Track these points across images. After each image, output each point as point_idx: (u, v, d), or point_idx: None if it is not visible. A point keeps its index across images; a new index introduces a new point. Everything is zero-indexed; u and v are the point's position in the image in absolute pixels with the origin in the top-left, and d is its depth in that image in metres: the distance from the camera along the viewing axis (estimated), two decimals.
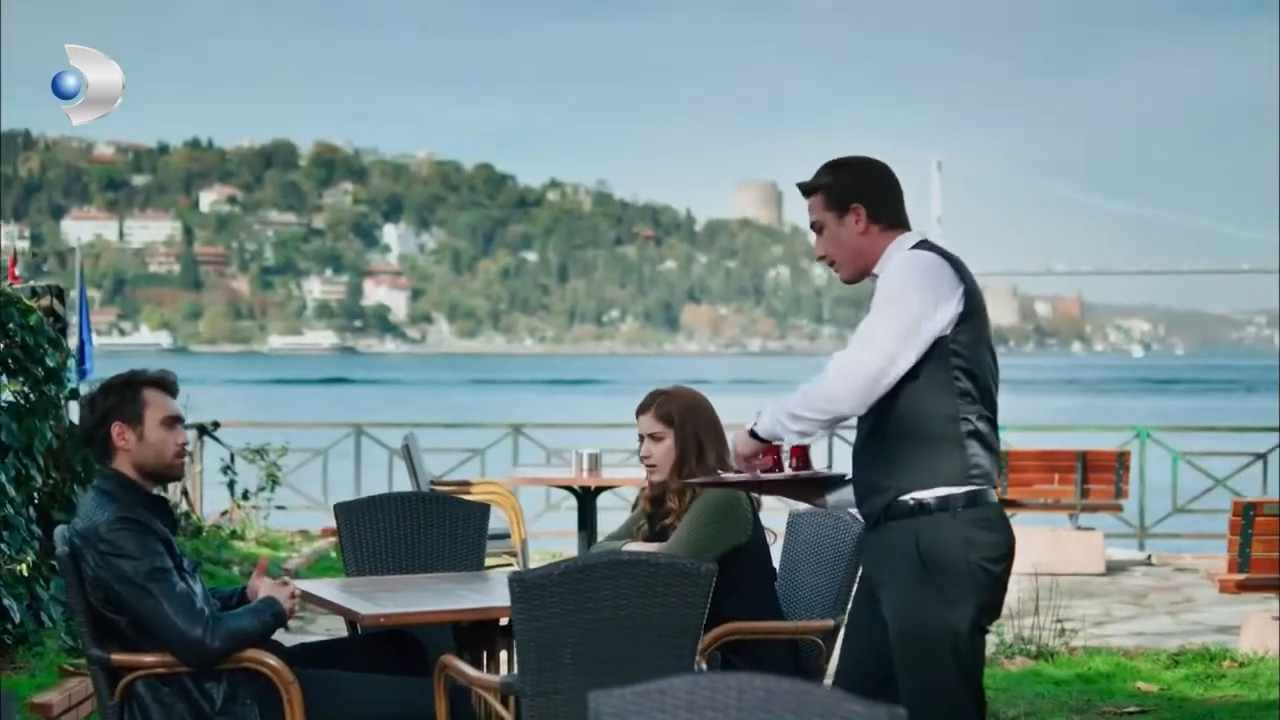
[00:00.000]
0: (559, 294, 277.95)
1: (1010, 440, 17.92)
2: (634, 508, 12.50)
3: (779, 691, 3.42)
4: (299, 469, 17.19)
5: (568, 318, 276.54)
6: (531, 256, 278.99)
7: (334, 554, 15.80)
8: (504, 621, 6.49)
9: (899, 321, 5.12)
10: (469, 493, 12.56)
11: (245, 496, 15.40)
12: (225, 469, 15.89)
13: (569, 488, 12.14)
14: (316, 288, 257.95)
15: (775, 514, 7.74)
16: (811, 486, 5.65)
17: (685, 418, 6.64)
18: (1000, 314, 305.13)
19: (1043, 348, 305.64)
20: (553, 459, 17.27)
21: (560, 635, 5.38)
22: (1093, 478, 15.53)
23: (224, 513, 16.09)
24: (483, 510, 7.57)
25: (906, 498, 5.18)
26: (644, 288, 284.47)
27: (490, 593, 6.41)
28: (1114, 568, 15.73)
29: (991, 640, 10.58)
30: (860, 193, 5.38)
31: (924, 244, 5.35)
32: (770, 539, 6.79)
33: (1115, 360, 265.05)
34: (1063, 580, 12.57)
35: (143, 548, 5.81)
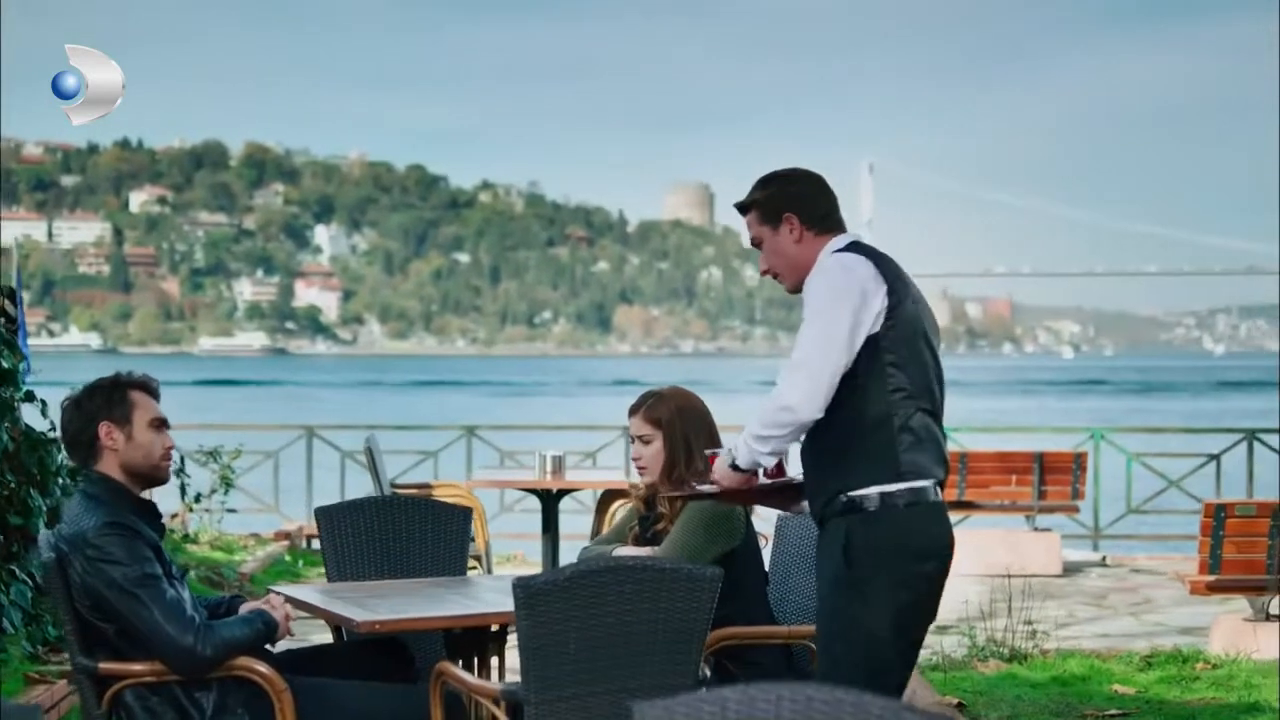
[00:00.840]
0: (491, 295, 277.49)
1: (967, 442, 17.93)
2: (596, 512, 12.48)
3: (843, 702, 3.32)
4: (249, 472, 17.00)
5: (500, 319, 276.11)
6: (463, 258, 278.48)
7: (288, 558, 15.66)
8: (495, 627, 6.42)
9: (827, 329, 5.19)
10: (430, 495, 12.43)
11: (198, 499, 15.21)
12: (178, 471, 15.69)
13: (533, 490, 11.99)
14: (247, 289, 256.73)
15: (764, 519, 7.66)
16: (787, 494, 5.69)
17: (675, 420, 6.55)
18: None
19: (974, 349, 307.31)
20: (506, 461, 17.14)
21: (564, 641, 5.28)
22: (1050, 479, 15.53)
23: (174, 515, 15.89)
24: (465, 514, 7.46)
25: (842, 496, 5.26)
26: (576, 289, 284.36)
27: (482, 598, 6.31)
28: (1070, 569, 15.72)
29: (964, 643, 10.54)
30: (790, 202, 5.50)
31: (852, 245, 5.42)
32: (761, 543, 6.73)
33: (1046, 361, 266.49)
34: (1022, 582, 12.53)
35: (132, 553, 5.69)
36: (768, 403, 5.25)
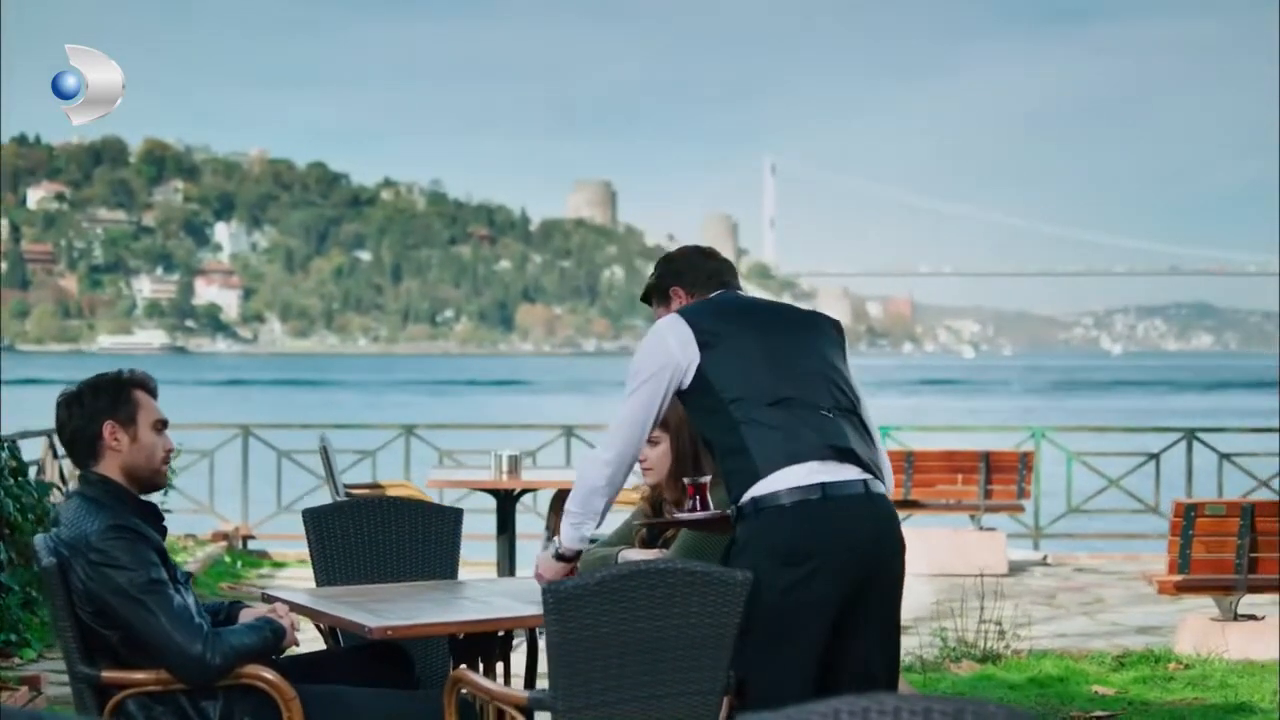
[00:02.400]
0: (393, 293, 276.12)
1: (911, 441, 17.89)
2: (550, 511, 12.33)
3: (964, 711, 3.21)
4: (183, 471, 16.72)
5: (401, 317, 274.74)
6: (365, 256, 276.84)
7: (227, 559, 15.43)
8: (501, 632, 6.26)
9: (633, 410, 5.60)
10: (383, 496, 12.24)
11: None
12: None
13: (491, 490, 11.81)
14: (147, 286, 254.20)
15: None
16: (727, 523, 5.76)
17: (683, 425, 6.40)
18: (832, 314, 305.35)
19: (875, 348, 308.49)
20: (445, 460, 16.95)
21: (594, 647, 5.14)
22: (995, 478, 15.49)
23: None
24: (456, 515, 7.29)
25: (734, 509, 5.48)
26: (478, 287, 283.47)
27: (491, 602, 6.14)
28: (1015, 568, 15.70)
29: (935, 643, 10.46)
30: (672, 276, 5.96)
31: (683, 309, 5.74)
32: None
33: (947, 361, 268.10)
34: (970, 581, 12.47)
35: (137, 558, 5.50)
36: (575, 479, 5.71)
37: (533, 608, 5.93)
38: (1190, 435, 17.60)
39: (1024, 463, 15.60)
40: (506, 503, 11.84)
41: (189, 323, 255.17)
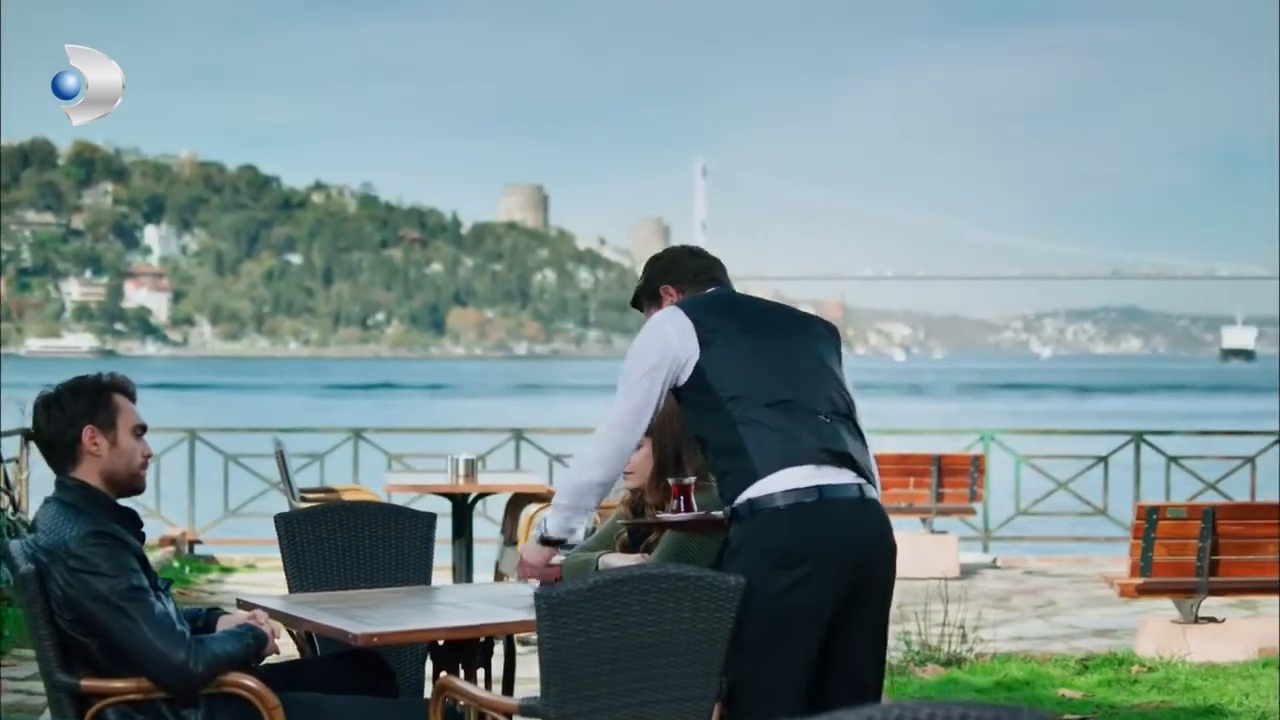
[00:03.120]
0: (324, 296, 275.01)
1: None
2: (505, 515, 12.24)
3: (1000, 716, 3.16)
4: None
5: (333, 320, 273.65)
6: (296, 259, 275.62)
7: (175, 564, 15.28)
8: (482, 639, 6.19)
9: (620, 388, 5.56)
10: (339, 500, 12.13)
11: None
12: None
13: (447, 494, 11.71)
14: (75, 289, 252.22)
15: None
16: (713, 524, 5.81)
17: (664, 426, 6.33)
18: None
19: None
20: (394, 464, 16.84)
21: (587, 654, 5.09)
22: (947, 481, 15.50)
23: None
24: (429, 520, 7.21)
25: (728, 509, 5.44)
26: (410, 290, 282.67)
27: (473, 608, 6.06)
28: (966, 571, 15.70)
29: (899, 647, 10.42)
30: (661, 275, 5.92)
31: (681, 302, 5.71)
32: None
33: (878, 364, 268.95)
34: (925, 585, 12.44)
35: (117, 564, 5.40)
36: (566, 473, 5.68)
37: (516, 613, 5.88)
38: (1138, 438, 17.65)
39: (976, 466, 15.63)
40: (463, 507, 11.74)
41: (118, 326, 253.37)
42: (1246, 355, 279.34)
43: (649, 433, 6.38)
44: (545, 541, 5.70)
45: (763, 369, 5.45)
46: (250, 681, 5.49)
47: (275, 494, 16.96)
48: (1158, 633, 10.65)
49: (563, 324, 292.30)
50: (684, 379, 5.48)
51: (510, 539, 12.09)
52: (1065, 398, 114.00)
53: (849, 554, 5.33)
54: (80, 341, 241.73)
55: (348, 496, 12.34)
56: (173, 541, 15.88)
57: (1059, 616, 13.24)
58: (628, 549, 6.49)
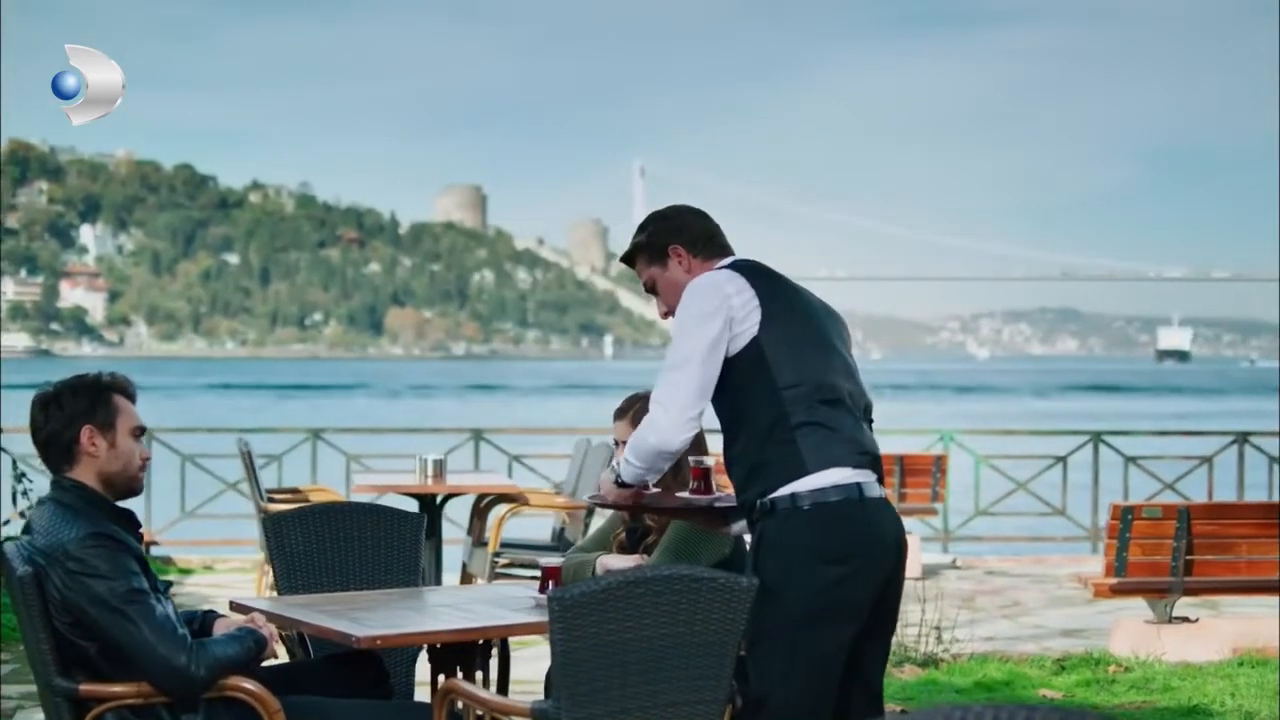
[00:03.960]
0: (261, 296, 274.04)
1: None
2: (475, 516, 12.15)
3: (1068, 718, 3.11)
4: None
5: (270, 320, 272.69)
6: (233, 259, 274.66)
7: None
8: (481, 641, 6.11)
9: (682, 350, 5.27)
10: (307, 502, 12.02)
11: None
12: (20, 476, 15.02)
13: (416, 495, 11.59)
14: (10, 289, 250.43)
15: None
16: (715, 515, 5.72)
17: None
18: None
19: None
20: (353, 465, 16.73)
21: (599, 656, 5.02)
22: (909, 481, 15.48)
23: (6, 522, 15.26)
24: (417, 521, 7.13)
25: (759, 501, 5.27)
26: (347, 290, 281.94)
27: (474, 609, 5.97)
28: (928, 572, 15.67)
29: None
30: (672, 233, 5.60)
31: (731, 265, 5.47)
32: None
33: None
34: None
35: (117, 566, 5.30)
36: (640, 431, 5.36)
37: (517, 615, 5.80)
38: (1097, 438, 17.68)
39: (938, 466, 15.60)
40: (431, 507, 11.64)
41: (54, 326, 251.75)
42: (1181, 356, 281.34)
43: None
44: (622, 484, 5.49)
45: (816, 359, 5.31)
46: (251, 685, 5.40)
47: (233, 495, 16.83)
48: (1132, 633, 10.64)
49: (501, 324, 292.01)
50: (736, 349, 5.26)
51: (479, 540, 12.02)
52: (1010, 399, 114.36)
53: (885, 555, 5.29)
54: (15, 341, 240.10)
55: (315, 498, 12.20)
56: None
57: (1025, 617, 13.23)
58: (625, 549, 6.42)
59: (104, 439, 5.46)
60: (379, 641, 5.49)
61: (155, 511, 16.62)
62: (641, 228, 5.70)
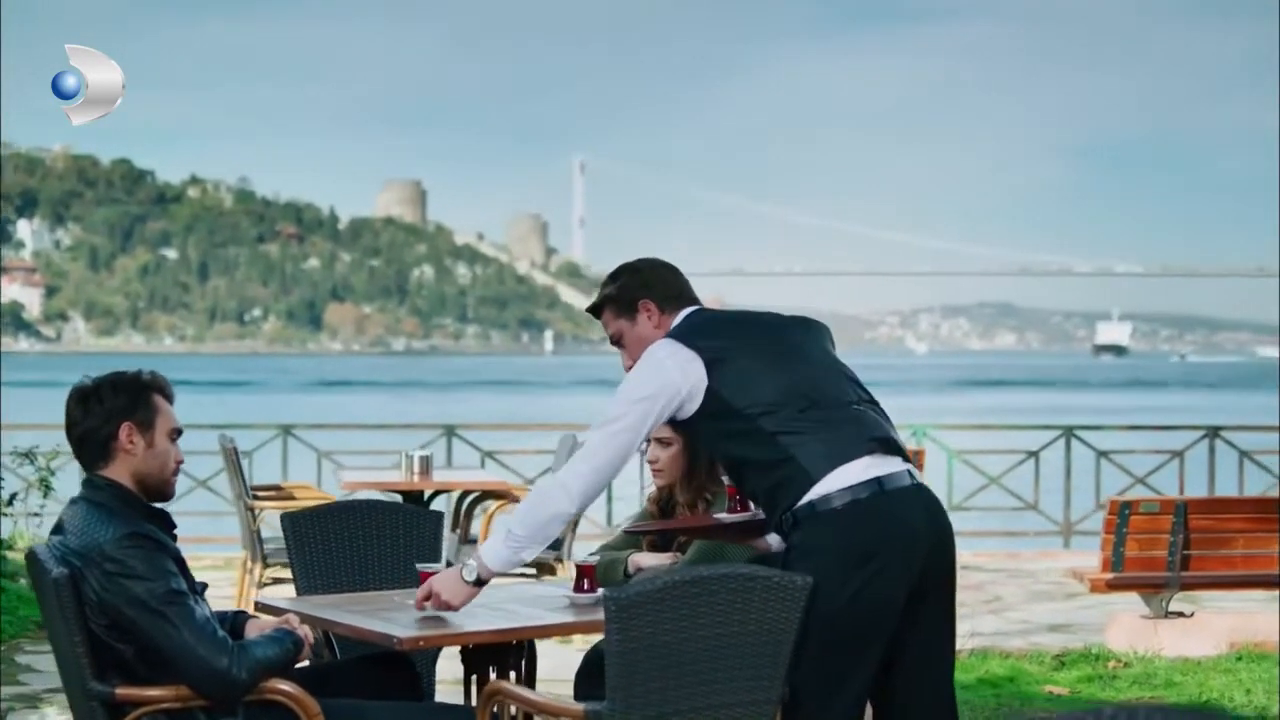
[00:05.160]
0: (199, 292, 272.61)
1: None
2: (463, 513, 12.03)
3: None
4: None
5: (209, 316, 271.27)
6: (171, 254, 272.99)
7: None
8: (514, 641, 6.01)
9: (609, 416, 5.35)
10: (294, 500, 11.90)
11: (10, 502, 14.36)
12: None
13: (402, 492, 11.48)
14: None
15: None
16: (753, 530, 5.70)
17: None
18: None
19: None
20: (324, 461, 16.59)
21: (654, 657, 4.95)
22: None
23: None
24: (436, 519, 7.04)
25: (787, 515, 5.26)
26: (287, 286, 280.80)
27: (509, 609, 5.86)
28: None
29: None
30: (642, 288, 5.61)
31: (677, 327, 5.52)
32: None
33: None
34: None
35: (155, 568, 5.18)
36: (532, 500, 5.38)
37: (555, 615, 5.71)
38: (1069, 433, 17.69)
39: (915, 461, 15.53)
40: (418, 504, 11.51)
41: None
42: (1118, 351, 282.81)
43: (680, 431, 6.24)
44: (479, 582, 5.40)
45: (782, 375, 5.33)
46: (289, 687, 5.30)
47: (202, 492, 16.68)
48: (1128, 628, 10.62)
49: (441, 320, 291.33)
50: (692, 408, 5.33)
51: (465, 537, 11.91)
52: (983, 392, 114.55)
53: (914, 544, 5.24)
54: None
55: (299, 495, 12.08)
56: None
57: (1010, 612, 13.19)
58: (656, 548, 6.33)
59: (143, 438, 5.35)
60: (422, 643, 5.41)
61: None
62: (611, 278, 5.70)
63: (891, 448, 5.30)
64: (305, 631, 5.52)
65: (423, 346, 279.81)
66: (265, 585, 11.17)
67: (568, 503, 5.32)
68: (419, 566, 5.77)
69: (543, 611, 5.77)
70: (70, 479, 16.03)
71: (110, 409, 5.33)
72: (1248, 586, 10.74)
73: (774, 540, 5.64)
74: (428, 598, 5.41)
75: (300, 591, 6.68)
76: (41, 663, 10.08)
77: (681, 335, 5.42)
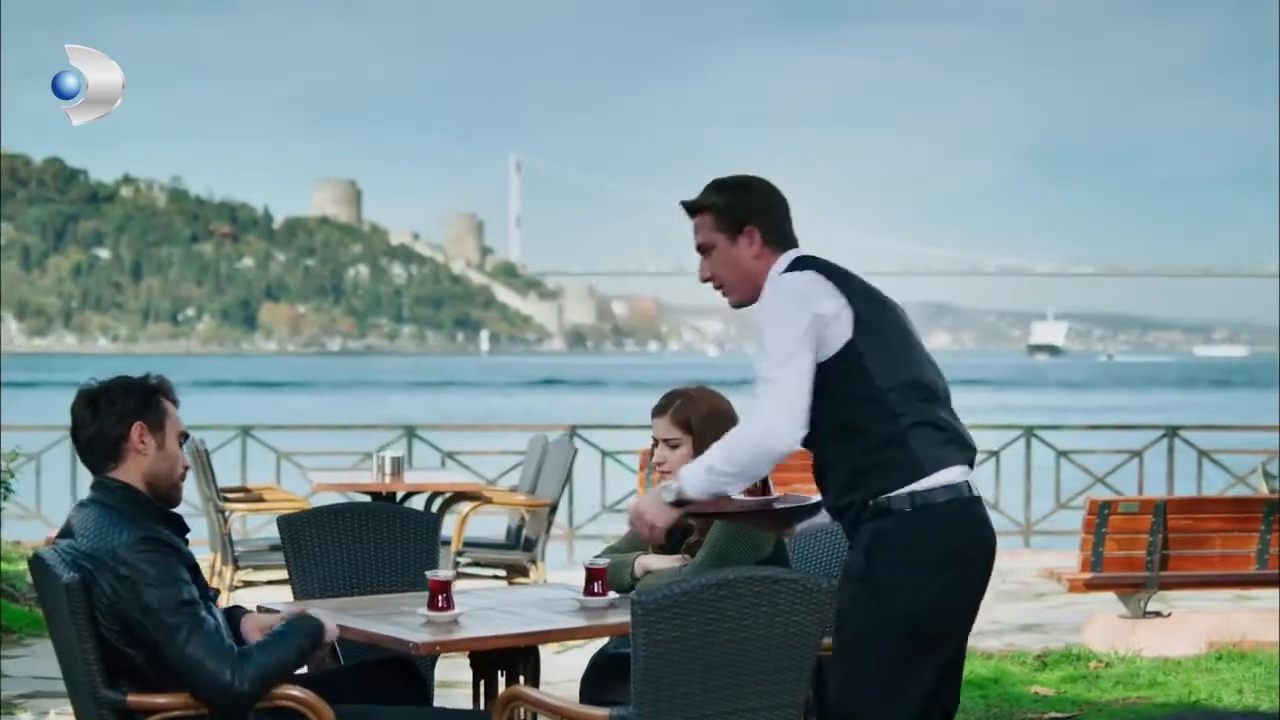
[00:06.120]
0: (133, 292, 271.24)
1: None
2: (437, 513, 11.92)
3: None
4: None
5: (142, 316, 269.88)
6: (104, 253, 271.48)
7: None
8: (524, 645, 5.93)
9: (780, 352, 5.01)
10: (263, 502, 11.79)
11: None
12: None
13: (374, 494, 11.37)
14: None
15: None
16: (779, 517, 5.47)
17: (705, 425, 6.09)
18: (578, 314, 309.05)
19: (620, 347, 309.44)
20: (283, 462, 16.47)
21: (680, 661, 4.88)
22: None
23: None
24: (433, 521, 6.97)
25: (870, 503, 5.05)
26: (221, 285, 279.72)
27: (523, 613, 5.77)
28: None
29: None
30: (752, 214, 5.24)
31: (800, 261, 5.19)
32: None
33: (693, 360, 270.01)
34: None
35: (168, 574, 5.08)
36: (740, 437, 5.07)
37: (568, 619, 5.64)
38: (1029, 433, 17.72)
39: None
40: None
41: None
42: (1053, 351, 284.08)
43: (689, 431, 6.16)
44: (678, 504, 5.15)
45: (908, 355, 5.12)
46: (300, 692, 5.20)
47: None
48: (1106, 628, 10.62)
49: (376, 319, 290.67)
50: (828, 355, 5.02)
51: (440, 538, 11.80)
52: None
53: (988, 557, 5.18)
54: None
55: (269, 497, 11.97)
56: (53, 543, 15.36)
57: (980, 613, 13.17)
58: (664, 550, 6.25)
59: (154, 438, 5.25)
60: (438, 648, 5.33)
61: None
62: (723, 187, 5.30)
63: (973, 460, 5.18)
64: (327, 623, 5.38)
65: (358, 346, 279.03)
66: (236, 588, 11.05)
67: (790, 442, 5.05)
68: (429, 574, 5.68)
69: (555, 615, 5.69)
70: (18, 482, 15.89)
71: (121, 410, 5.24)
72: (1225, 586, 10.77)
73: (801, 527, 5.51)
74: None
75: (297, 595, 6.59)
76: (12, 667, 9.95)
77: (826, 273, 5.12)
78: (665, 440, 6.18)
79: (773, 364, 5.00)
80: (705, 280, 5.32)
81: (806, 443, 5.15)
